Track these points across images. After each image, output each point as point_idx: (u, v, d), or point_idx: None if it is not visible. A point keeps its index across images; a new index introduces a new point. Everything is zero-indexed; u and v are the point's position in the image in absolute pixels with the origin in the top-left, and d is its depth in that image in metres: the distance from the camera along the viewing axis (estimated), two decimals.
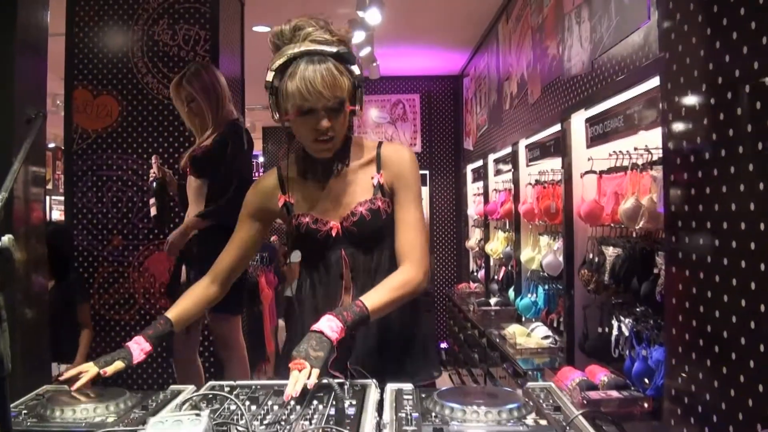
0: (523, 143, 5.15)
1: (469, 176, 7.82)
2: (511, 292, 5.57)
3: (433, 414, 1.45)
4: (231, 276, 2.09)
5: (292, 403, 1.54)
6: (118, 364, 1.79)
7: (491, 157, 6.47)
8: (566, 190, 3.94)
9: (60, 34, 4.23)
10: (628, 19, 3.00)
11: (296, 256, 6.71)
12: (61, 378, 1.78)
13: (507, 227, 5.97)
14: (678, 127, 2.20)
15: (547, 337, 4.51)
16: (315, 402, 1.55)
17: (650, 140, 3.11)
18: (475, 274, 7.61)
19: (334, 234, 1.94)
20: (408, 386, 1.66)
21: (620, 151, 3.38)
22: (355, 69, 1.83)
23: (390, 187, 1.96)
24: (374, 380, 1.68)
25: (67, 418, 1.49)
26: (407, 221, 1.94)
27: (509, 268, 5.80)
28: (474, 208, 7.32)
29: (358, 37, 5.60)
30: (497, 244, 6.16)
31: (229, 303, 3.49)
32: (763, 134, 1.72)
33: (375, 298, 1.80)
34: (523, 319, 5.14)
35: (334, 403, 1.54)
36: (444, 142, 8.52)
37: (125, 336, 4.29)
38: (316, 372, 1.59)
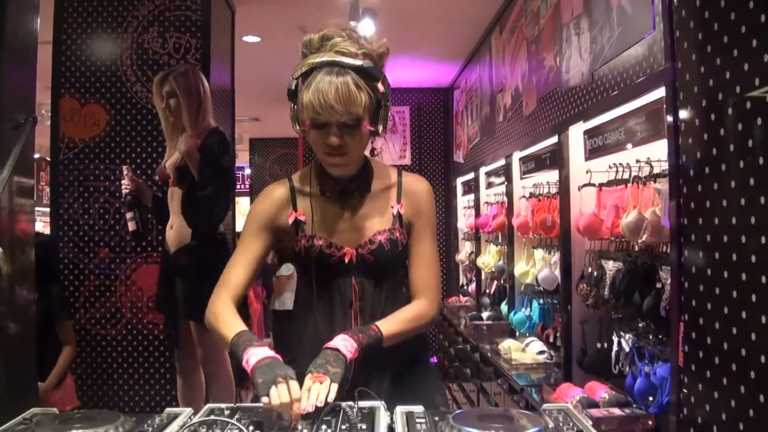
0: (517, 155, 5.09)
1: (459, 189, 7.76)
2: (503, 306, 5.49)
3: None
4: (244, 293, 1.93)
5: (299, 427, 1.46)
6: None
7: (483, 169, 6.42)
8: (563, 203, 3.88)
9: (47, 42, 4.14)
10: (631, 30, 2.95)
11: (285, 270, 6.63)
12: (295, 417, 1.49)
13: (499, 240, 5.91)
14: (689, 138, 2.15)
15: (542, 352, 4.43)
16: (324, 427, 1.46)
17: (651, 153, 3.07)
18: (465, 287, 7.54)
19: (347, 260, 1.85)
20: (419, 408, 1.58)
21: (620, 164, 3.33)
22: (380, 86, 1.73)
23: (408, 218, 1.90)
24: (383, 402, 1.60)
25: None
26: (424, 256, 1.90)
27: (502, 281, 5.73)
28: (464, 221, 7.25)
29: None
30: (489, 258, 6.09)
31: None
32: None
33: (389, 326, 1.75)
34: (517, 333, 5.07)
35: (343, 427, 1.46)
36: (434, 154, 8.47)
37: (111, 351, 4.18)
38: (335, 387, 1.53)
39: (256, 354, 1.59)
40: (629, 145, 3.19)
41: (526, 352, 4.50)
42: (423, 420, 1.51)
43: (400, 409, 1.57)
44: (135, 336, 4.22)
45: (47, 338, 3.73)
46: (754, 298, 1.80)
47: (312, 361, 1.61)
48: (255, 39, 6.21)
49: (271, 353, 1.61)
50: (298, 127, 1.77)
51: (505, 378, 4.32)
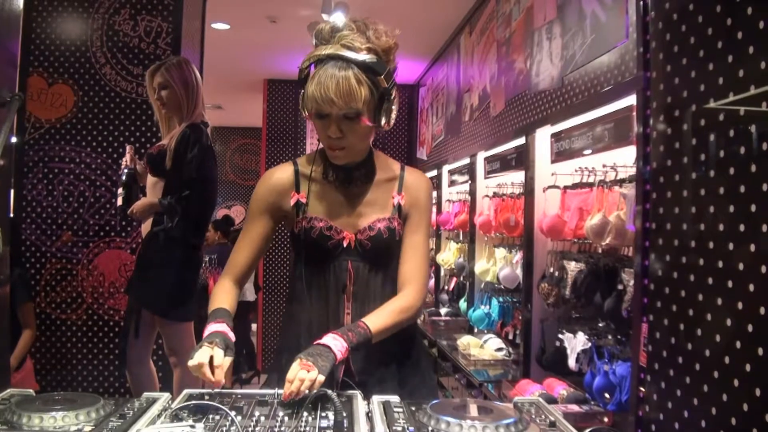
0: (482, 155, 5.16)
1: None
2: (462, 303, 5.56)
3: (429, 428, 1.41)
4: (248, 275, 2.00)
5: (281, 414, 1.48)
6: (230, 361, 1.69)
7: (446, 167, 6.48)
8: (527, 204, 3.96)
9: None
10: (604, 38, 3.03)
11: None
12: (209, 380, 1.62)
13: (460, 238, 5.98)
14: (660, 146, 2.22)
15: (500, 349, 4.52)
16: (305, 414, 1.49)
17: (616, 158, 3.15)
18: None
19: (345, 244, 1.88)
20: (395, 398, 1.61)
21: (586, 168, 3.41)
22: (383, 81, 1.74)
23: (406, 210, 1.94)
24: (360, 391, 1.63)
25: (45, 426, 1.39)
26: (416, 247, 1.93)
27: (461, 279, 5.80)
28: None
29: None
30: (449, 255, 6.16)
31: (181, 309, 3.44)
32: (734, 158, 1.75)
33: (378, 321, 1.77)
34: (475, 330, 5.15)
35: (323, 414, 1.49)
36: (397, 150, 8.51)
37: (71, 336, 4.13)
38: (321, 378, 1.55)
39: (210, 328, 1.71)
40: (590, 151, 3.27)
41: (484, 348, 4.58)
42: (400, 409, 1.54)
43: (377, 398, 1.60)
44: (95, 321, 4.16)
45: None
46: (719, 301, 1.88)
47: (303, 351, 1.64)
48: (224, 26, 6.17)
49: (222, 328, 1.71)
50: (305, 114, 1.81)
51: (463, 373, 4.39)
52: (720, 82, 1.89)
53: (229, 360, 1.67)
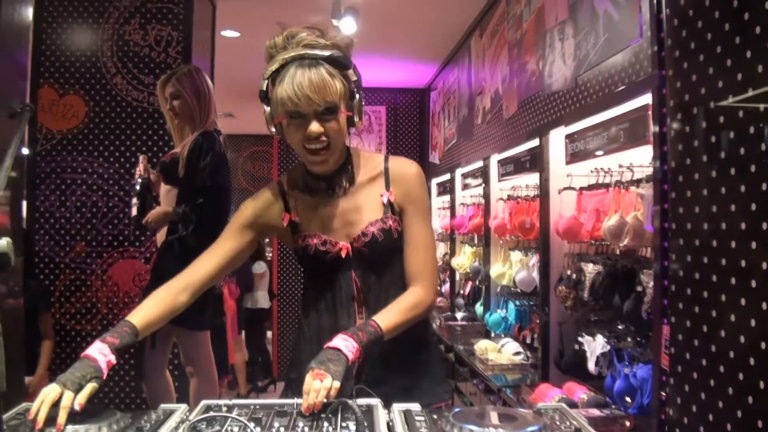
0: (495, 158, 5.13)
1: (434, 190, 7.78)
2: (478, 307, 5.53)
3: None
4: (204, 287, 1.89)
5: (300, 425, 1.46)
6: (92, 387, 1.53)
7: (459, 171, 6.45)
8: (543, 206, 3.91)
9: None
10: (617, 37, 2.99)
11: (258, 268, 6.61)
12: (31, 417, 1.43)
13: (475, 242, 5.94)
14: (679, 144, 2.19)
15: (518, 353, 4.47)
16: (326, 424, 1.46)
17: (632, 158, 3.11)
18: (439, 288, 7.57)
19: (344, 255, 1.85)
20: (416, 406, 1.59)
21: (602, 169, 3.37)
22: (351, 75, 1.75)
23: (399, 204, 1.89)
24: (380, 400, 1.60)
25: None
26: (417, 241, 1.88)
27: (477, 283, 5.76)
28: (439, 222, 7.28)
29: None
30: (464, 259, 6.13)
31: (198, 318, 3.41)
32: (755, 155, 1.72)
33: (388, 318, 1.73)
34: (492, 334, 5.10)
35: (343, 425, 1.46)
36: (409, 155, 8.48)
37: (86, 347, 4.10)
38: (336, 385, 1.52)
39: (88, 350, 1.60)
40: (605, 151, 3.23)
41: (501, 352, 4.53)
42: (422, 418, 1.52)
43: (398, 407, 1.58)
44: None
45: (26, 332, 3.67)
46: (743, 301, 1.84)
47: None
48: (234, 34, 6.16)
49: (94, 353, 1.59)
50: (273, 129, 1.78)
51: (481, 378, 4.35)
52: (738, 78, 1.86)
53: (88, 389, 1.52)
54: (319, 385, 1.51)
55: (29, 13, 2.29)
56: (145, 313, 1.76)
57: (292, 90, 1.66)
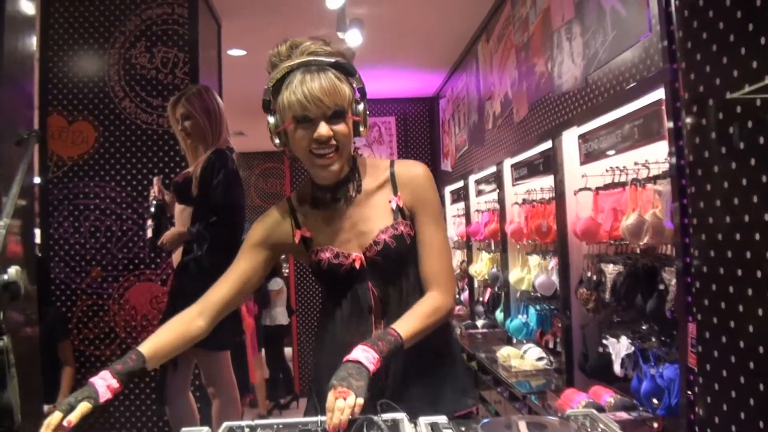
0: (508, 162, 5.09)
1: (448, 198, 7.74)
2: (498, 314, 5.47)
3: None
4: (223, 311, 1.88)
5: None
6: (84, 406, 1.51)
7: (472, 177, 6.41)
8: (559, 208, 3.87)
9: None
10: (626, 33, 2.95)
11: (275, 284, 6.58)
12: None
13: (492, 248, 5.89)
14: (696, 137, 2.14)
15: (541, 358, 4.42)
16: None
17: (647, 155, 3.07)
18: (458, 296, 7.51)
19: (357, 266, 1.81)
20: (442, 419, 1.55)
21: (617, 167, 3.33)
22: (356, 82, 1.74)
23: (409, 208, 1.84)
24: (405, 414, 1.56)
25: None
26: (430, 244, 1.83)
27: (496, 289, 5.71)
28: (454, 229, 7.24)
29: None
30: (482, 266, 6.08)
31: (216, 338, 3.36)
32: None
33: (407, 326, 1.68)
34: (514, 340, 5.05)
35: None
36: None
37: None
38: (360, 401, 1.47)
39: (95, 377, 1.60)
40: (618, 149, 3.19)
41: (524, 359, 4.48)
42: (450, 430, 1.48)
43: (424, 420, 1.54)
44: None
45: (46, 358, 3.66)
46: None
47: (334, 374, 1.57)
48: (241, 52, 6.17)
49: (94, 378, 1.60)
50: (277, 141, 1.76)
51: (506, 386, 4.30)
52: (754, 66, 1.82)
53: (79, 408, 1.51)
54: (342, 403, 1.46)
55: (33, 42, 2.29)
56: (154, 341, 1.76)
57: (301, 93, 1.64)
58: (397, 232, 1.81)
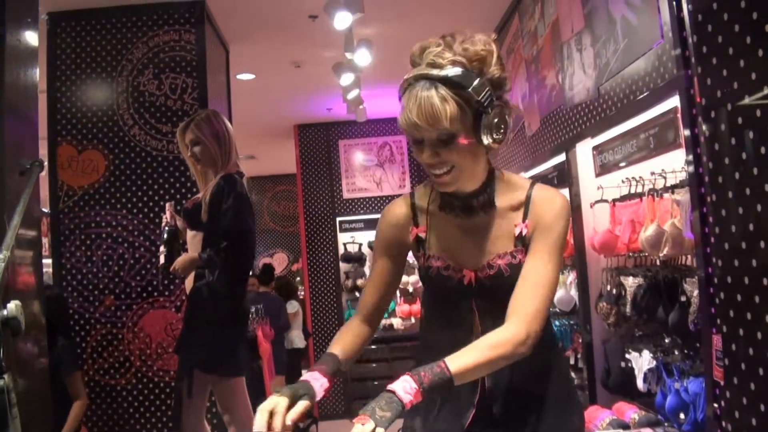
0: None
1: None
2: None
3: None
4: (380, 314, 1.87)
5: None
6: (304, 405, 1.48)
7: None
8: (576, 222, 3.81)
9: (41, 91, 4.09)
10: (638, 41, 2.91)
11: (291, 308, 6.52)
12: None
13: None
14: (715, 144, 2.09)
15: None
16: None
17: (664, 164, 3.02)
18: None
19: (466, 282, 1.72)
20: None
21: (633, 178, 3.28)
22: (473, 94, 1.54)
23: (530, 236, 1.71)
24: None
25: None
26: (530, 274, 1.66)
27: None
28: None
29: (345, 79, 5.50)
30: None
31: (230, 365, 3.35)
32: None
33: (462, 359, 1.54)
34: None
35: None
36: None
37: (122, 402, 4.07)
38: (380, 431, 1.39)
39: (307, 376, 1.58)
40: (633, 160, 3.14)
41: None
42: None
43: None
44: (146, 384, 4.11)
45: (54, 393, 3.61)
46: None
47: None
48: (249, 77, 6.18)
49: (309, 376, 1.58)
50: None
51: None
52: None
53: (300, 406, 1.48)
54: (359, 429, 1.38)
55: (36, 72, 2.28)
56: (343, 343, 1.75)
57: (403, 117, 1.57)
58: (515, 261, 1.70)
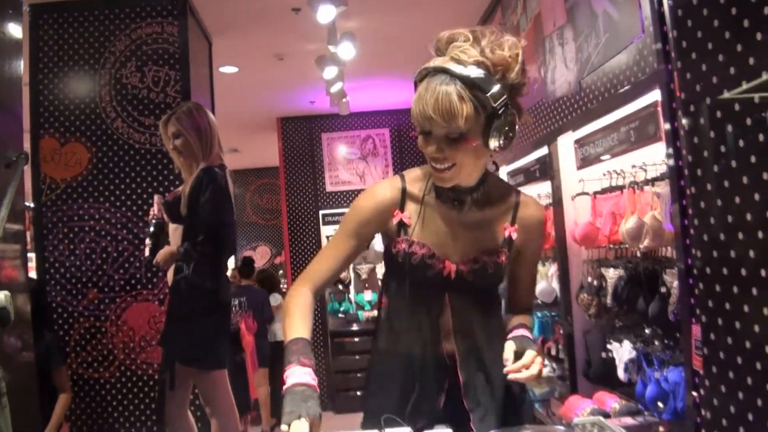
0: (504, 170, 5.07)
1: None
2: None
3: None
4: (326, 287, 1.83)
5: None
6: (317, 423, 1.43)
7: None
8: (557, 214, 3.86)
9: (23, 84, 4.06)
10: (619, 35, 2.94)
11: (273, 300, 6.51)
12: None
13: None
14: (694, 137, 2.12)
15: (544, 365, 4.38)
16: None
17: (644, 157, 3.06)
18: None
19: (445, 274, 1.75)
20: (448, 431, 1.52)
21: (614, 171, 3.32)
22: (491, 99, 1.55)
23: (518, 244, 1.80)
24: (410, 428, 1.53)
25: None
26: (529, 276, 1.95)
27: None
28: None
29: (329, 73, 5.50)
30: None
31: (211, 358, 3.36)
32: None
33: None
34: None
35: None
36: None
37: (105, 395, 4.07)
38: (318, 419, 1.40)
39: (295, 375, 1.49)
40: (613, 153, 3.18)
41: None
42: None
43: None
44: (129, 377, 4.10)
45: (42, 386, 3.61)
46: None
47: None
48: (232, 69, 6.16)
49: (308, 380, 1.48)
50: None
51: None
52: (751, 62, 1.80)
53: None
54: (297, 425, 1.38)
55: (20, 65, 2.26)
56: (305, 321, 1.67)
57: (418, 106, 1.58)
58: (499, 260, 1.76)
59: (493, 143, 1.58)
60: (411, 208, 1.79)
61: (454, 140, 1.59)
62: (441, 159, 1.62)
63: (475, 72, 1.55)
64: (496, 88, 1.55)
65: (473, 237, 1.76)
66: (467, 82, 1.54)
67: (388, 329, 1.86)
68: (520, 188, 4.49)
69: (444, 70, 1.56)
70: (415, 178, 1.82)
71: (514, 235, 1.78)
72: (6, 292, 1.13)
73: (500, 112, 1.55)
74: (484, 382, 1.76)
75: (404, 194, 1.79)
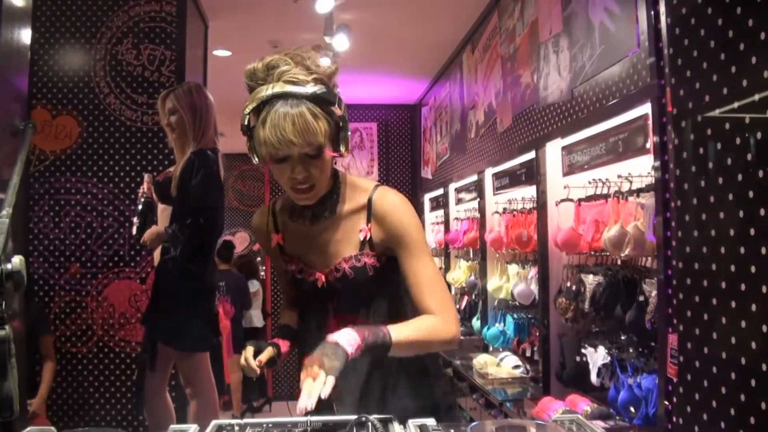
0: (490, 171, 5.13)
1: (427, 205, 7.78)
2: (475, 322, 5.50)
3: None
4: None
5: None
6: (270, 351, 1.78)
7: (452, 185, 6.45)
8: (540, 218, 3.91)
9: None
10: (614, 48, 3.00)
11: (252, 286, 6.54)
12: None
13: (470, 256, 5.93)
14: (684, 152, 2.19)
15: (517, 366, 4.46)
16: None
17: (631, 168, 3.12)
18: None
19: (319, 285, 1.82)
20: (431, 421, 1.56)
21: (600, 179, 3.38)
22: (336, 110, 1.65)
23: (382, 241, 1.79)
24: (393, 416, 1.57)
25: None
26: (418, 280, 1.75)
27: (473, 297, 5.75)
28: (433, 236, 7.27)
29: (322, 63, 5.51)
30: (460, 274, 6.11)
31: (195, 340, 3.38)
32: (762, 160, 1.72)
33: (402, 331, 1.64)
34: (491, 348, 5.08)
35: None
36: (401, 170, 8.49)
37: (82, 369, 4.07)
38: (331, 380, 1.45)
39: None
40: (600, 162, 3.24)
41: (501, 366, 4.52)
42: None
43: (413, 422, 1.55)
44: (107, 354, 4.11)
45: (27, 353, 3.63)
46: (753, 307, 1.84)
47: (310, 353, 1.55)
48: (226, 53, 6.16)
49: (278, 341, 1.85)
50: (257, 161, 1.71)
51: (481, 393, 4.33)
52: (744, 84, 1.86)
53: (267, 352, 1.77)
54: (309, 385, 1.44)
55: (28, 34, 2.26)
56: (290, 317, 2.01)
57: (275, 135, 1.59)
58: (358, 264, 1.78)
59: (343, 148, 1.70)
60: (283, 228, 1.92)
61: (313, 157, 1.66)
62: (303, 180, 1.67)
63: (318, 88, 1.63)
64: (337, 98, 1.66)
65: (332, 246, 1.82)
66: (314, 100, 1.62)
67: (300, 332, 1.97)
68: (504, 191, 4.58)
69: (287, 94, 1.61)
70: (283, 201, 1.94)
71: (370, 234, 1.79)
72: (20, 257, 1.16)
73: (345, 118, 1.69)
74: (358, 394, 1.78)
75: (275, 217, 1.94)
